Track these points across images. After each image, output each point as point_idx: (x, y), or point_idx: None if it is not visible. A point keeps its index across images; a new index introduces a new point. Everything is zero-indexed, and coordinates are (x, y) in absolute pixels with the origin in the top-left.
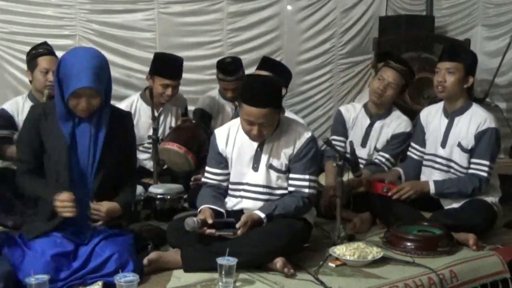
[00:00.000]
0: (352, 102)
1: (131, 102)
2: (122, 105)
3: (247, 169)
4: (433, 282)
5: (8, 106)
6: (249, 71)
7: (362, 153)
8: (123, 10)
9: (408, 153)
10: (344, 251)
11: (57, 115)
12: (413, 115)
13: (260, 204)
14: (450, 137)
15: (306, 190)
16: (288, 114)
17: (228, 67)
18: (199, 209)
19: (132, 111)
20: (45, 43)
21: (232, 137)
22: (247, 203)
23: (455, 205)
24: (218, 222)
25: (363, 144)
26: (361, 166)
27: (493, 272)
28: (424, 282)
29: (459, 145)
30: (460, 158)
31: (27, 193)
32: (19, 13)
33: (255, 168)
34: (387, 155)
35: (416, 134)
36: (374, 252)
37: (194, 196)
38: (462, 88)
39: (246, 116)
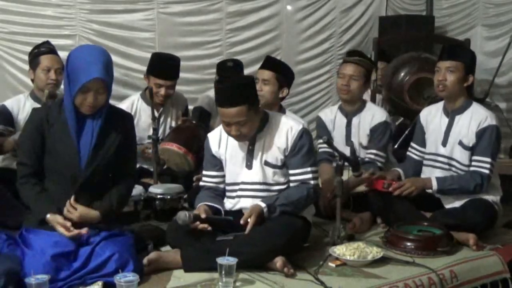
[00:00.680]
0: None
1: (131, 102)
2: (123, 106)
3: (241, 168)
4: (433, 282)
5: (9, 103)
6: (248, 70)
7: (347, 152)
8: (123, 10)
9: (408, 153)
10: (344, 251)
11: (62, 116)
12: (413, 115)
13: (257, 201)
14: (451, 135)
15: (312, 182)
16: (288, 114)
17: (224, 73)
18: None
19: (133, 111)
20: (47, 42)
21: (224, 139)
22: (245, 202)
23: (456, 204)
24: (215, 219)
25: (347, 143)
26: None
27: (493, 272)
28: (424, 282)
29: (460, 143)
30: (461, 156)
31: (24, 201)
32: (19, 13)
33: (249, 166)
34: (374, 151)
35: (416, 134)
36: (374, 252)
37: (194, 196)
38: (462, 87)
39: (222, 117)
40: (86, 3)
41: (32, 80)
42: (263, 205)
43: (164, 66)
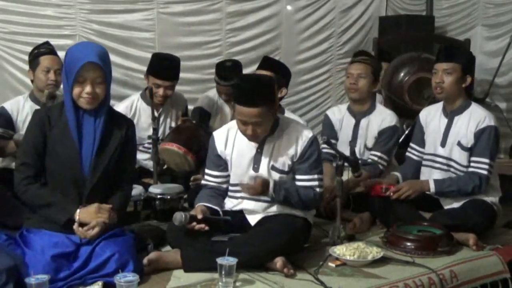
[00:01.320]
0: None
1: (131, 102)
2: (123, 105)
3: (247, 171)
4: (433, 282)
5: (8, 105)
6: (247, 70)
7: None
8: (122, 10)
9: (407, 153)
10: (344, 251)
11: (63, 118)
12: (413, 115)
13: (261, 204)
14: (449, 136)
15: (317, 189)
16: (288, 114)
17: (224, 73)
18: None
19: (132, 111)
20: (47, 43)
21: (231, 139)
22: (248, 204)
23: (455, 205)
24: (212, 219)
25: (353, 143)
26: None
27: (493, 272)
28: (424, 282)
29: (459, 144)
30: (460, 157)
31: (32, 203)
32: (19, 13)
33: (256, 169)
34: (378, 153)
35: (415, 134)
36: (374, 252)
37: (194, 196)
38: (460, 88)
39: (239, 115)
40: (86, 3)
41: (32, 81)
42: (271, 180)
43: (162, 66)
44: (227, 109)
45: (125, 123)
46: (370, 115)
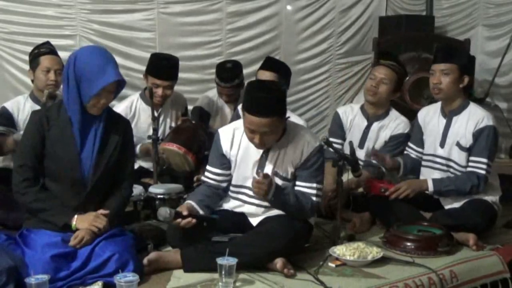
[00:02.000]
0: (349, 102)
1: (130, 102)
2: (122, 105)
3: (250, 174)
4: (433, 282)
5: (9, 105)
6: (248, 70)
7: (359, 154)
8: (123, 10)
9: (406, 152)
10: (344, 251)
11: (61, 118)
12: (413, 115)
13: (261, 209)
14: (448, 136)
15: (314, 198)
16: (289, 113)
17: (224, 74)
18: None
19: (132, 111)
20: (47, 43)
21: (237, 140)
22: (249, 209)
23: (456, 205)
24: (199, 217)
25: (361, 145)
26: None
27: (493, 272)
28: (424, 282)
29: (458, 144)
30: (459, 157)
31: (30, 206)
32: (20, 13)
33: (259, 173)
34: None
35: (414, 134)
36: (374, 252)
37: None
38: (458, 88)
39: (249, 124)
40: (87, 3)
41: (32, 81)
42: (274, 184)
43: (161, 66)
44: (227, 109)
45: (123, 123)
46: (383, 120)
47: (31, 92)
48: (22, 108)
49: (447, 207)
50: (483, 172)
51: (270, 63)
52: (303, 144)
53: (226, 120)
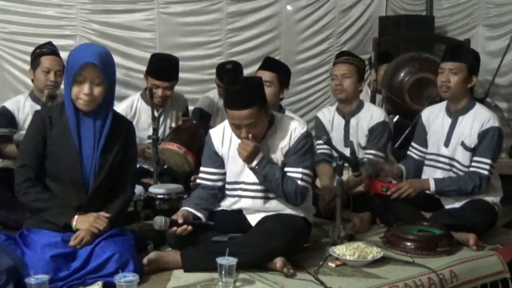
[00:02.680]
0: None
1: (131, 102)
2: (123, 105)
3: (243, 168)
4: (433, 282)
5: (9, 104)
6: (248, 70)
7: (346, 152)
8: (123, 10)
9: (409, 152)
10: (344, 251)
11: (63, 118)
12: (413, 115)
13: (258, 202)
14: (453, 136)
15: (299, 182)
16: (288, 113)
17: (225, 75)
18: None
19: (132, 111)
20: (49, 43)
21: (227, 137)
22: (245, 203)
23: (456, 204)
24: (194, 224)
25: (346, 144)
26: None
27: (493, 272)
28: (424, 282)
29: (463, 144)
30: (463, 157)
31: (32, 206)
32: (20, 13)
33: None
34: (373, 151)
35: (417, 133)
36: (374, 252)
37: None
38: (466, 88)
39: (232, 120)
40: (87, 3)
41: (32, 80)
42: (261, 154)
43: (161, 67)
44: None
45: (126, 124)
46: (358, 114)
47: (31, 92)
48: (22, 107)
49: (447, 207)
50: (486, 172)
51: (269, 63)
52: (291, 130)
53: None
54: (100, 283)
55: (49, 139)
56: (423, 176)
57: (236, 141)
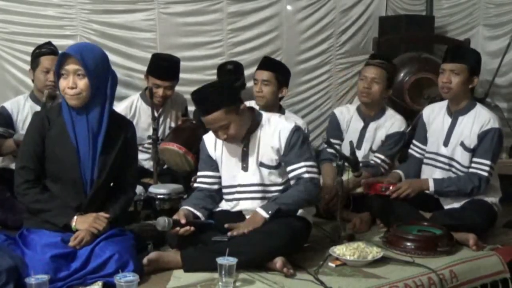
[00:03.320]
0: (350, 102)
1: (131, 102)
2: (122, 105)
3: (237, 171)
4: (433, 282)
5: (8, 105)
6: (250, 71)
7: (360, 154)
8: (123, 10)
9: (410, 150)
10: (344, 251)
11: (61, 118)
12: (413, 115)
13: (257, 203)
14: (453, 136)
15: (306, 175)
16: (288, 114)
17: (225, 76)
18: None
19: (132, 111)
20: (49, 43)
21: (219, 141)
22: (245, 204)
23: (456, 205)
24: (196, 223)
25: (358, 146)
26: None
27: (493, 272)
28: (424, 282)
29: (462, 144)
30: (462, 157)
31: (31, 207)
32: (20, 13)
33: (245, 168)
34: (382, 156)
35: (418, 131)
36: (374, 252)
37: None
38: (467, 89)
39: (207, 125)
40: (87, 3)
41: (33, 80)
42: (265, 215)
43: (162, 67)
44: None
45: (126, 125)
46: (379, 119)
47: (31, 92)
48: (21, 108)
49: (447, 207)
50: (485, 174)
51: (267, 63)
52: (279, 129)
53: None
54: (100, 283)
55: (48, 140)
56: (422, 175)
57: (227, 144)
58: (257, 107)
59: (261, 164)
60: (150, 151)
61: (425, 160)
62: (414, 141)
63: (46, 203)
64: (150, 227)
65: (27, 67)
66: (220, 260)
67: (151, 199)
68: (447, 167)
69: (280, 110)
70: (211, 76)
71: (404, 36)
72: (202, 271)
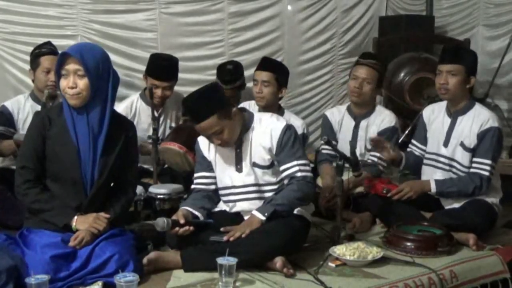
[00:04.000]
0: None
1: (130, 102)
2: (122, 105)
3: (231, 172)
4: (433, 282)
5: (9, 104)
6: (251, 71)
7: None
8: (124, 10)
9: (408, 149)
10: (344, 251)
11: (62, 118)
12: (413, 115)
13: (254, 203)
14: (453, 136)
15: (298, 174)
16: (287, 114)
17: (225, 76)
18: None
19: (132, 111)
20: (49, 43)
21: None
22: (242, 205)
23: (456, 205)
24: (195, 223)
25: (353, 145)
26: None
27: (493, 272)
28: (424, 282)
29: (462, 144)
30: (463, 157)
31: (31, 207)
32: (21, 13)
33: (239, 169)
34: (378, 154)
35: (418, 131)
36: (374, 252)
37: None
38: (465, 89)
39: (200, 132)
40: (88, 3)
41: (33, 81)
42: (262, 217)
43: (160, 67)
44: None
45: (127, 125)
46: (369, 117)
47: (31, 92)
48: (22, 107)
49: (447, 207)
50: (486, 173)
51: (266, 63)
52: (270, 128)
53: None
54: (100, 283)
55: (49, 140)
56: (423, 176)
57: (221, 147)
58: (257, 108)
59: (254, 164)
60: (150, 146)
61: (426, 161)
62: (413, 141)
63: (46, 203)
64: (150, 227)
65: (28, 67)
66: (220, 260)
67: (151, 199)
68: (447, 167)
69: (280, 110)
70: (212, 76)
71: (404, 36)
72: (202, 271)
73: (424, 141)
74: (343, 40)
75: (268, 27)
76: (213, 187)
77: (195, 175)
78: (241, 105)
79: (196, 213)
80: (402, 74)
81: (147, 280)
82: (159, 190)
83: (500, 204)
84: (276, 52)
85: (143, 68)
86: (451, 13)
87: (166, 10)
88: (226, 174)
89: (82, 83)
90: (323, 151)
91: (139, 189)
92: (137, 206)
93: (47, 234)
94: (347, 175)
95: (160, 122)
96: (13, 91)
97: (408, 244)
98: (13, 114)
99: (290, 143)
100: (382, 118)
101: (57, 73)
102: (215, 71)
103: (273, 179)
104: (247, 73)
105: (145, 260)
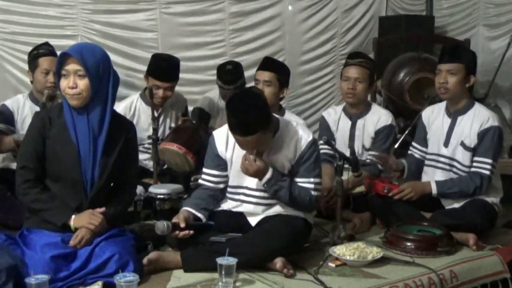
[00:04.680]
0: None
1: (130, 102)
2: (122, 105)
3: None
4: (433, 282)
5: (9, 103)
6: (253, 71)
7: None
8: (125, 10)
9: (409, 152)
10: (344, 251)
11: (62, 118)
12: (413, 115)
13: (260, 207)
14: (453, 136)
15: (313, 193)
16: (287, 114)
17: (226, 77)
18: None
19: (132, 111)
20: (46, 44)
21: (231, 141)
22: (248, 208)
23: (456, 205)
24: (195, 226)
25: (350, 145)
26: None
27: (493, 272)
28: (424, 282)
29: (462, 144)
30: (463, 157)
31: (31, 207)
32: (21, 13)
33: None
34: (376, 153)
35: (418, 133)
36: (374, 252)
37: None
38: (464, 88)
39: (237, 141)
40: (88, 3)
41: (31, 82)
42: (270, 172)
43: (162, 68)
44: None
45: (127, 126)
46: (365, 116)
47: (30, 93)
48: (21, 107)
49: (447, 207)
50: (487, 172)
51: (268, 63)
52: (296, 139)
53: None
54: (100, 283)
55: (49, 140)
56: (424, 177)
57: None
58: None
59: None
60: (150, 151)
61: (427, 162)
62: (414, 143)
63: (46, 202)
64: (150, 227)
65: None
66: (220, 260)
67: (151, 199)
68: (448, 167)
69: (280, 111)
70: (213, 76)
71: (404, 36)
72: (202, 271)
73: (424, 143)
74: (344, 40)
75: (269, 27)
76: (221, 186)
77: (204, 170)
78: None
79: (199, 214)
80: (402, 74)
81: (147, 280)
82: (159, 190)
83: (500, 204)
84: (277, 52)
85: (143, 68)
86: (451, 13)
87: (166, 10)
88: (241, 174)
89: (83, 83)
90: (322, 151)
91: (139, 189)
92: (137, 206)
93: (47, 234)
94: (347, 175)
95: (160, 122)
96: (13, 91)
97: (408, 244)
98: (13, 113)
99: (312, 159)
100: (379, 117)
101: (57, 73)
102: (215, 71)
103: None
104: (248, 73)
105: (145, 260)
